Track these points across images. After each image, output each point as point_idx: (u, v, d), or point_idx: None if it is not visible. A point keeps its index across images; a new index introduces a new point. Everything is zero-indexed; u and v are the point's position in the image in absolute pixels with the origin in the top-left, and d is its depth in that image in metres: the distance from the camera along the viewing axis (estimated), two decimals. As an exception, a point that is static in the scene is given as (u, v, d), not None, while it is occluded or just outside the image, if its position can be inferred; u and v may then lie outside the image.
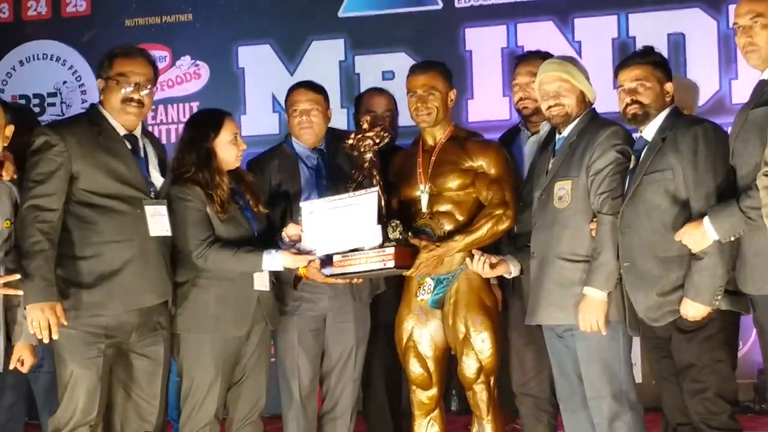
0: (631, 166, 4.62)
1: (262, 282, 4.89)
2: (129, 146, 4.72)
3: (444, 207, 5.03)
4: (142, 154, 4.76)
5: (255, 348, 4.97)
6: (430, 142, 5.11)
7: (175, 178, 4.86)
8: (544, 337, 4.88)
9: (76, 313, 4.59)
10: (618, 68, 4.71)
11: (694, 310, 4.42)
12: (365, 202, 4.86)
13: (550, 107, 4.81)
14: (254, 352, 4.97)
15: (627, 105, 4.62)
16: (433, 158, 5.05)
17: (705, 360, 4.47)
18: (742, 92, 4.66)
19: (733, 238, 4.32)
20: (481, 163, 5.01)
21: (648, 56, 4.66)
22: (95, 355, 4.62)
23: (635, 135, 4.73)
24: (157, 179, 4.78)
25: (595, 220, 4.65)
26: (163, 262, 4.75)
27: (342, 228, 4.84)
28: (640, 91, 4.60)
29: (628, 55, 4.83)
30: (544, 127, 5.17)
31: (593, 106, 4.87)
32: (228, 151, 4.89)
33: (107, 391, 4.72)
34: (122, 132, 4.73)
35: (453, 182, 5.02)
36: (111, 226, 4.62)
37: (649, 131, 4.60)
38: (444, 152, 5.06)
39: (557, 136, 4.88)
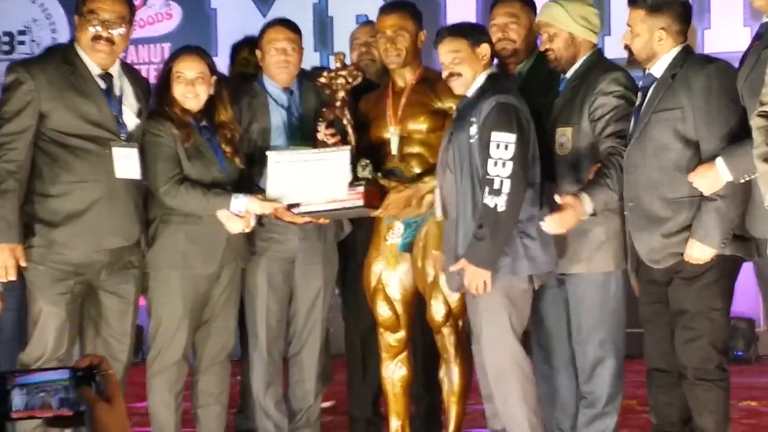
0: (638, 103, 4.56)
1: (245, 224, 4.86)
2: (103, 86, 4.68)
3: (414, 149, 5.01)
4: (117, 94, 4.71)
5: (224, 289, 4.97)
6: (399, 83, 5.07)
7: (149, 113, 4.84)
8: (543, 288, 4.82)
9: (44, 250, 4.59)
10: None
11: (700, 251, 4.37)
12: (337, 158, 4.85)
13: (546, 50, 4.79)
14: (223, 293, 4.97)
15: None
16: (403, 100, 5.02)
17: (700, 307, 4.44)
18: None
19: (746, 179, 4.25)
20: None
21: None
22: (64, 291, 4.62)
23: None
24: (131, 120, 4.74)
25: (596, 166, 4.61)
26: (132, 204, 4.72)
27: (310, 182, 4.84)
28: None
29: None
30: (522, 70, 5.13)
31: (599, 47, 4.82)
32: (175, 87, 4.85)
33: (77, 327, 4.73)
34: (96, 71, 4.68)
35: (423, 124, 5.00)
36: (79, 165, 4.60)
37: (657, 68, 4.51)
38: (414, 94, 5.03)
39: (561, 77, 4.83)
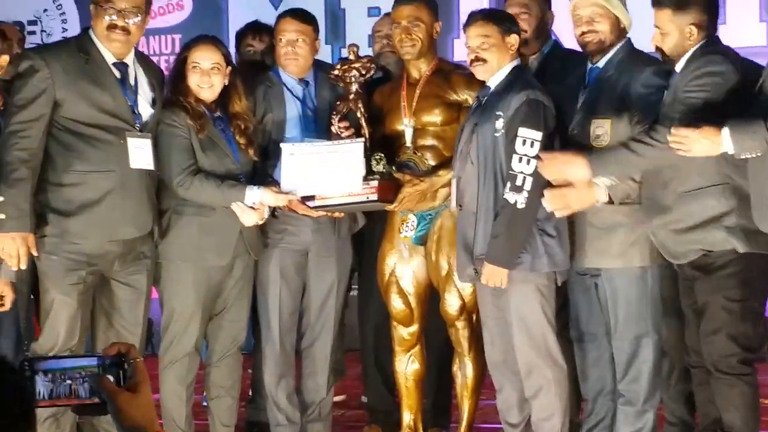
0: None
1: (259, 216, 4.83)
2: (118, 75, 4.64)
3: (428, 141, 4.99)
4: (132, 83, 4.68)
5: (237, 281, 4.95)
6: (414, 74, 5.05)
7: (164, 103, 4.81)
8: (570, 283, 4.78)
9: (57, 240, 4.57)
10: None
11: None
12: (351, 151, 4.84)
13: (583, 33, 4.67)
14: (236, 285, 4.95)
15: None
16: (418, 91, 5.00)
17: (717, 298, 4.39)
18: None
19: (746, 156, 4.16)
20: (467, 96, 4.96)
21: None
22: (76, 281, 4.60)
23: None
24: (145, 110, 4.71)
25: None
26: (145, 195, 4.69)
27: (324, 174, 4.83)
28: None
29: None
30: (534, 63, 5.11)
31: (628, 36, 4.72)
32: (190, 77, 4.83)
33: (89, 318, 4.71)
34: (111, 60, 4.64)
35: (438, 116, 4.97)
36: (93, 155, 4.57)
37: (680, 65, 4.44)
38: (429, 85, 5.00)
39: (588, 65, 4.73)
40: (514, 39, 4.69)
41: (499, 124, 4.57)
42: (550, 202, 4.49)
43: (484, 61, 4.66)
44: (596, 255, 4.64)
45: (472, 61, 4.69)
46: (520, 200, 4.48)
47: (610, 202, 4.53)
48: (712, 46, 4.42)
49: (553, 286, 4.67)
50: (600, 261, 4.65)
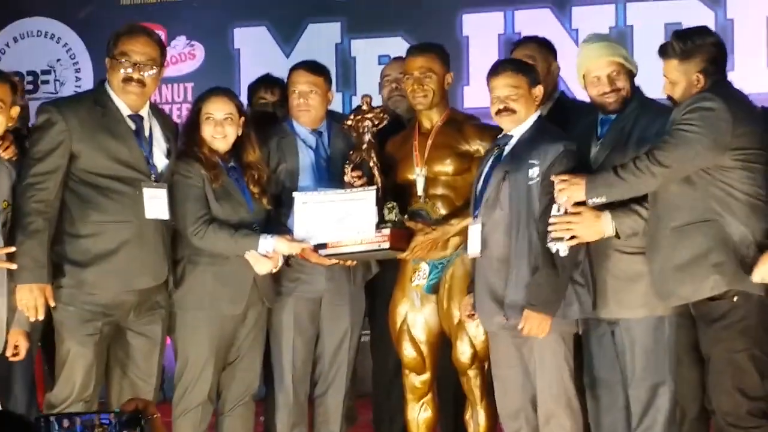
0: None
1: (273, 264, 4.87)
2: (133, 127, 4.70)
3: (440, 191, 5.02)
4: (147, 135, 4.74)
5: (251, 330, 4.98)
6: (426, 124, 5.09)
7: (178, 154, 4.86)
8: (585, 330, 4.77)
9: (74, 290, 4.61)
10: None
11: None
12: (363, 198, 4.88)
13: (604, 94, 4.67)
14: (249, 334, 4.98)
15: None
16: (430, 141, 5.04)
17: (720, 349, 4.37)
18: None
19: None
20: (478, 147, 4.99)
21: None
22: (92, 332, 4.64)
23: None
24: (160, 161, 4.77)
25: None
26: (161, 244, 4.74)
27: (337, 222, 4.88)
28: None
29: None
30: (543, 112, 5.13)
31: (638, 85, 4.74)
32: (204, 128, 4.88)
33: (104, 368, 4.74)
34: (126, 112, 4.71)
35: (449, 166, 5.00)
36: (110, 206, 4.62)
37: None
38: (441, 135, 5.04)
39: (600, 116, 4.74)
40: (539, 90, 4.72)
41: (533, 172, 4.59)
42: (555, 228, 4.52)
43: (513, 111, 4.67)
44: (617, 306, 4.64)
45: (499, 111, 4.70)
46: (561, 249, 4.51)
47: (617, 236, 4.55)
48: (715, 89, 4.44)
49: (573, 334, 4.69)
50: (621, 312, 4.65)
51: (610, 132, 4.69)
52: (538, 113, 4.74)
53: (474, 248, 4.74)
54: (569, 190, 4.48)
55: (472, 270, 4.84)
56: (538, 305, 4.53)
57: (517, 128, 4.71)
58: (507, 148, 4.73)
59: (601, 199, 4.48)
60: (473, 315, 4.82)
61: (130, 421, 2.09)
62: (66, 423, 2.09)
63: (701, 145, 4.31)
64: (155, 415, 2.10)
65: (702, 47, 4.48)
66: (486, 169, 4.77)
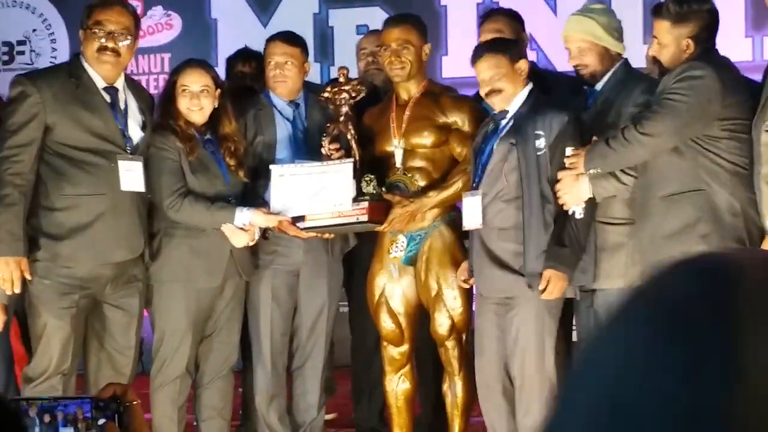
0: None
1: (250, 237, 4.86)
2: (108, 99, 4.68)
3: (418, 163, 5.02)
4: (122, 107, 4.71)
5: (228, 302, 4.98)
6: (404, 96, 5.07)
7: (154, 127, 4.84)
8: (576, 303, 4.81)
9: (49, 264, 4.59)
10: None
11: None
12: (341, 171, 4.87)
13: (576, 66, 4.75)
14: (227, 306, 4.98)
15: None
16: (407, 113, 5.02)
17: None
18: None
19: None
20: (456, 119, 4.98)
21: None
22: (68, 305, 4.62)
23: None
24: (136, 133, 4.74)
25: None
26: (137, 217, 4.72)
27: (314, 195, 4.86)
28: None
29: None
30: None
31: (625, 57, 4.75)
32: (180, 100, 4.86)
33: (81, 341, 4.73)
34: (101, 84, 4.68)
35: (427, 138, 5.00)
36: (85, 179, 4.61)
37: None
38: (418, 107, 5.03)
39: (587, 89, 4.80)
40: (523, 64, 4.72)
41: (540, 143, 4.61)
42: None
43: (500, 91, 4.68)
44: (602, 276, 4.67)
45: (487, 94, 4.71)
46: (578, 211, 4.55)
47: (594, 201, 4.58)
48: (703, 57, 4.44)
49: (561, 304, 4.72)
50: (604, 282, 4.67)
51: (595, 101, 4.73)
52: (530, 86, 4.74)
53: (473, 220, 4.74)
54: (576, 162, 4.52)
55: (471, 241, 4.84)
56: (558, 264, 4.56)
57: (511, 105, 4.72)
58: (503, 122, 4.73)
59: (597, 170, 4.51)
60: (467, 281, 4.86)
61: (106, 409, 2.06)
62: (47, 418, 2.06)
63: (690, 114, 4.33)
64: (134, 401, 2.06)
65: (697, 13, 4.47)
66: (480, 141, 4.78)
